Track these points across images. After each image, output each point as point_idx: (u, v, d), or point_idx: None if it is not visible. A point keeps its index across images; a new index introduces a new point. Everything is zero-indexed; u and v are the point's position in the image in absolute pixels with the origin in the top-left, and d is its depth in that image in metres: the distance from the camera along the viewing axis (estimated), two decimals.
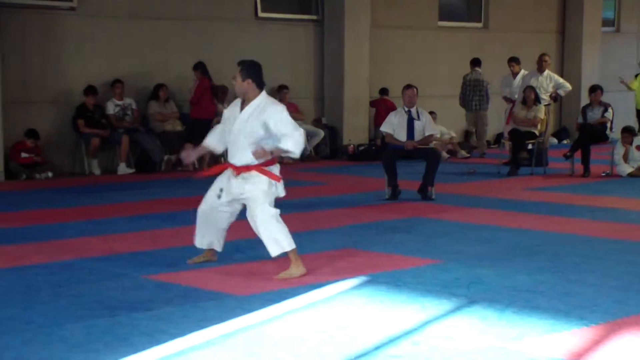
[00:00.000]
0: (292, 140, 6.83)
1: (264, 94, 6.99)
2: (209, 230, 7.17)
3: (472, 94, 16.67)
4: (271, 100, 7.04)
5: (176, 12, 14.93)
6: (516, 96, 15.15)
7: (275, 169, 6.97)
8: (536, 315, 5.70)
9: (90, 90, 13.78)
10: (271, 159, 6.93)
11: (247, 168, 6.86)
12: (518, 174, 13.69)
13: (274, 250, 6.81)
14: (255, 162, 6.86)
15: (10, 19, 13.22)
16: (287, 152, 6.91)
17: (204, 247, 7.25)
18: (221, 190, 6.98)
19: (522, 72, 15.68)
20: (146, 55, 14.69)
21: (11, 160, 13.11)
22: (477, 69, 16.79)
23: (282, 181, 6.98)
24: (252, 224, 6.88)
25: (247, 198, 6.85)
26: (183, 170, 14.24)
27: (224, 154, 7.51)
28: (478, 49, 18.71)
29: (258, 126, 6.85)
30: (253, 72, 6.95)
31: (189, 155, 7.22)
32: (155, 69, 14.74)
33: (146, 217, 9.78)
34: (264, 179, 6.85)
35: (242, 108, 6.96)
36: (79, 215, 9.88)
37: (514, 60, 15.89)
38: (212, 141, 7.23)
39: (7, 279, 6.74)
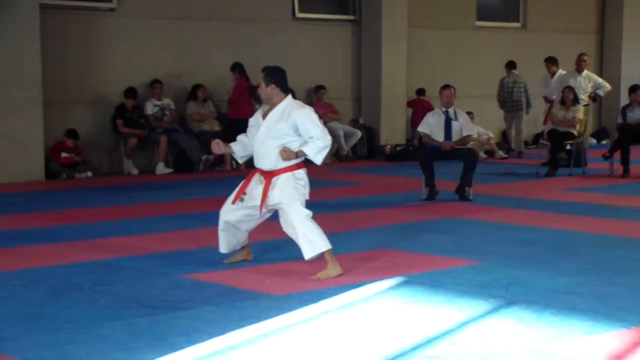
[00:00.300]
0: (316, 146, 6.86)
1: (289, 98, 7.01)
2: (233, 235, 7.22)
3: (510, 96, 16.63)
4: (298, 103, 7.06)
5: (214, 12, 15.01)
6: (554, 96, 15.05)
7: (302, 173, 6.99)
8: (575, 316, 5.67)
9: (130, 92, 13.90)
10: (296, 164, 6.94)
11: (273, 173, 6.88)
12: (556, 175, 13.60)
13: (308, 252, 6.80)
14: (281, 165, 6.88)
15: (51, 20, 13.36)
16: (309, 157, 6.92)
17: (230, 251, 7.30)
18: (245, 194, 7.02)
19: (560, 72, 15.56)
20: (185, 55, 14.78)
21: (51, 160, 13.26)
22: (513, 71, 16.75)
23: (307, 183, 7.00)
24: (285, 227, 6.89)
25: (278, 204, 6.86)
26: (221, 170, 14.34)
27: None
28: (516, 49, 18.63)
29: (286, 128, 6.87)
30: (277, 77, 6.97)
31: (219, 146, 7.23)
32: (193, 70, 14.83)
33: (185, 216, 9.85)
34: (291, 182, 6.87)
35: (266, 114, 7.00)
36: (119, 215, 9.98)
37: (549, 61, 15.77)
38: (238, 150, 7.26)
39: (48, 277, 6.82)
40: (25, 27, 12.76)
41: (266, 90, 6.97)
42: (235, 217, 7.08)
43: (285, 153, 6.86)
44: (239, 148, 7.24)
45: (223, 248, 7.25)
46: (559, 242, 8.33)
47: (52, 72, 13.36)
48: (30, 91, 12.86)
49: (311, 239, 6.79)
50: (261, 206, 6.89)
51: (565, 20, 19.71)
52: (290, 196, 6.83)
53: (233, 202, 7.02)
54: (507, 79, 16.74)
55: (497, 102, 16.91)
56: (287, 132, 6.89)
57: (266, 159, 6.93)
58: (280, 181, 6.87)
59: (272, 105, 7.00)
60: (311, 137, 6.87)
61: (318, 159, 6.95)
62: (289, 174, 6.90)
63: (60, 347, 5.01)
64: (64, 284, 6.60)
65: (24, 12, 12.75)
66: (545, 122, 14.92)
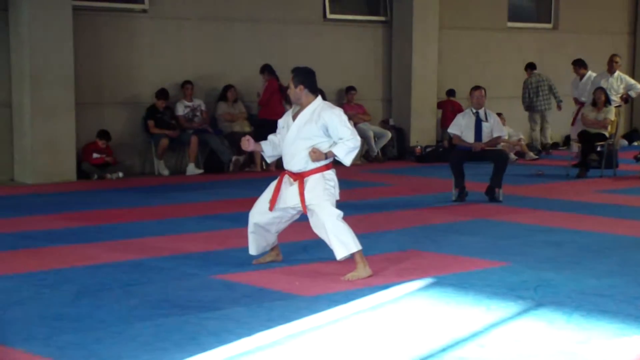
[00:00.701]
0: (346, 147, 6.88)
1: (319, 99, 7.02)
2: (263, 237, 7.24)
3: (537, 96, 16.59)
4: (327, 104, 7.07)
5: (245, 14, 15.06)
6: (583, 99, 14.96)
7: (332, 174, 7.01)
8: (605, 319, 5.64)
9: (161, 93, 13.97)
10: (325, 165, 6.96)
11: (303, 174, 6.91)
12: (587, 176, 13.51)
13: (340, 252, 6.81)
14: (311, 167, 6.90)
15: (84, 22, 13.45)
16: (338, 158, 6.94)
17: (259, 253, 7.32)
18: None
19: (589, 73, 15.46)
20: (215, 56, 14.84)
21: (83, 161, 13.36)
22: (534, 72, 16.72)
23: (337, 184, 7.02)
24: (316, 228, 6.91)
25: (308, 205, 6.87)
26: (251, 171, 14.38)
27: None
28: (547, 50, 18.53)
29: (316, 129, 6.89)
30: (306, 78, 6.99)
31: (249, 143, 7.25)
32: (224, 71, 14.89)
33: (214, 217, 9.89)
34: (321, 183, 6.89)
35: (296, 115, 7.02)
36: (149, 215, 10.04)
37: (576, 64, 15.68)
38: (268, 149, 7.28)
39: (78, 278, 6.88)
40: (58, 29, 12.87)
41: (295, 92, 6.99)
42: (265, 219, 7.10)
43: (315, 154, 6.87)
44: (269, 148, 7.26)
45: (253, 250, 7.28)
46: (589, 244, 8.28)
47: (84, 73, 13.45)
48: (62, 92, 12.96)
49: (343, 240, 6.79)
50: (303, 207, 6.88)
51: (597, 21, 19.56)
52: (320, 197, 6.84)
53: (271, 209, 7.00)
54: (529, 80, 16.69)
55: (522, 105, 16.86)
56: (316, 133, 6.90)
57: (296, 160, 6.95)
58: (310, 182, 6.89)
59: (302, 107, 7.01)
60: (341, 138, 6.89)
61: (348, 160, 6.96)
62: (318, 175, 6.92)
63: (89, 347, 5.06)
64: (94, 284, 6.65)
65: (57, 13, 12.86)
66: (573, 124, 14.83)
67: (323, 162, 6.94)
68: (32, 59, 12.73)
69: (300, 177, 6.92)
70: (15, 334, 5.30)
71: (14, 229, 9.10)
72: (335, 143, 6.92)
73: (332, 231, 6.79)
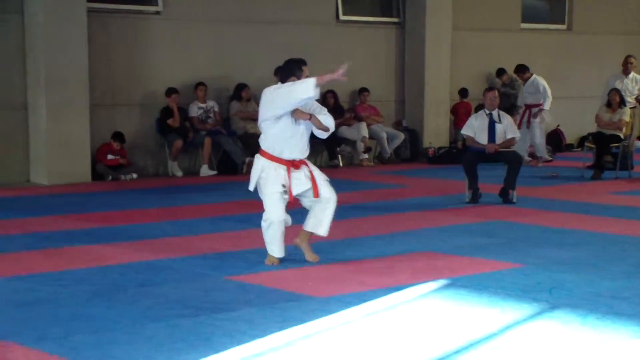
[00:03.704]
0: (330, 119, 7.46)
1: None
2: (283, 234, 7.34)
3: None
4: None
5: (259, 15, 15.07)
6: (524, 103, 15.31)
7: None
8: (620, 321, 5.62)
9: (171, 90, 13.96)
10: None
11: (303, 161, 7.40)
12: (602, 178, 13.46)
13: (327, 231, 7.41)
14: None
15: (98, 24, 13.50)
16: (324, 126, 7.37)
17: (283, 253, 7.35)
18: (283, 186, 7.30)
19: (534, 77, 15.49)
20: (228, 58, 14.86)
21: (98, 162, 13.40)
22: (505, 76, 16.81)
23: None
24: (320, 202, 7.31)
25: (318, 183, 7.31)
26: None
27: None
28: (561, 51, 18.48)
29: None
30: (278, 71, 7.73)
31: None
32: (237, 72, 14.90)
33: (228, 218, 9.91)
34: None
35: None
36: (163, 216, 10.06)
37: (519, 70, 15.75)
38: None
39: (93, 278, 6.90)
40: (72, 31, 12.91)
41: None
42: (283, 212, 7.36)
43: (298, 113, 7.30)
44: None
45: (280, 252, 7.33)
46: (604, 246, 8.25)
47: (98, 75, 13.50)
48: (77, 94, 13.01)
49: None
50: (315, 190, 7.31)
51: (612, 21, 19.49)
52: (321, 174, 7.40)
53: (291, 200, 7.34)
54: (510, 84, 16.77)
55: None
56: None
57: (299, 151, 7.42)
58: (310, 165, 7.43)
59: None
60: (324, 115, 7.52)
61: (332, 128, 7.51)
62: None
63: (103, 347, 5.07)
64: (108, 285, 6.67)
65: (72, 15, 12.90)
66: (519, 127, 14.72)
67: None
68: (46, 60, 12.79)
69: (301, 164, 7.38)
70: (30, 334, 5.33)
71: (29, 229, 9.14)
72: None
73: (333, 211, 7.33)
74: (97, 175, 13.34)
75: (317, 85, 7.07)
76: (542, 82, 15.45)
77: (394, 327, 5.56)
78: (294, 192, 7.29)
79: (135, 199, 11.54)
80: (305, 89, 7.10)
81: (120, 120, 13.88)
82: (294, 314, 5.82)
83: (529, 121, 15.25)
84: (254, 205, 10.83)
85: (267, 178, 7.31)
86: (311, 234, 7.45)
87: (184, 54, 14.43)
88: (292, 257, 7.49)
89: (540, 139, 15.50)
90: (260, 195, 7.45)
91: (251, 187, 7.49)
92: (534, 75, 15.58)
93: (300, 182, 7.31)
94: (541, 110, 15.25)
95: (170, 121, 13.92)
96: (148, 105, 14.17)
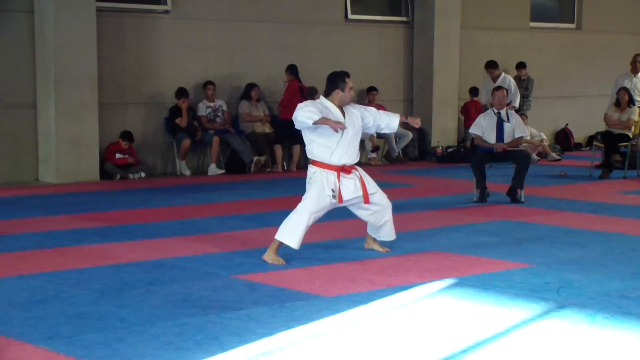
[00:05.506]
0: (395, 118, 7.76)
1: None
2: (306, 228, 7.39)
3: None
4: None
5: (267, 14, 15.08)
6: (486, 102, 15.12)
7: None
8: (628, 321, 5.62)
9: (181, 92, 13.99)
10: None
11: (353, 167, 7.44)
12: (610, 177, 13.45)
13: (393, 235, 7.70)
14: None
15: (107, 23, 13.53)
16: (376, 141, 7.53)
17: (298, 247, 7.36)
18: (332, 190, 7.33)
19: (504, 75, 15.43)
20: (237, 57, 14.88)
21: (106, 161, 13.43)
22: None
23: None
24: (377, 214, 7.52)
25: (369, 190, 7.47)
26: (272, 172, 14.40)
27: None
28: (570, 50, 18.45)
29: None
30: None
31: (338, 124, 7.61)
32: (246, 72, 14.92)
33: (236, 217, 9.92)
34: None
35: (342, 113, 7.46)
36: (171, 215, 10.07)
37: (489, 66, 15.60)
38: None
39: (102, 277, 6.92)
40: (82, 30, 12.95)
41: (350, 94, 7.50)
42: (321, 214, 7.44)
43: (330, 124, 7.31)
44: None
45: (296, 242, 7.34)
46: (613, 245, 8.24)
47: (107, 74, 13.53)
48: (86, 93, 13.05)
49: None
50: (366, 196, 7.46)
51: (621, 21, 19.45)
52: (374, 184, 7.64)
53: (340, 202, 7.38)
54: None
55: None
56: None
57: (349, 156, 7.45)
58: (360, 172, 7.51)
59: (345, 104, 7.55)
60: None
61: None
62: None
63: (111, 346, 5.09)
64: (117, 284, 6.69)
65: (81, 15, 12.94)
66: (467, 125, 14.61)
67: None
68: (56, 59, 12.83)
69: (354, 169, 7.45)
70: (39, 333, 5.34)
71: (38, 228, 9.16)
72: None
73: (391, 216, 7.64)
74: (105, 174, 13.37)
75: (315, 123, 7.17)
76: (512, 80, 15.45)
77: (402, 326, 5.56)
78: (344, 197, 7.35)
79: (143, 198, 11.57)
80: (302, 120, 7.23)
81: (128, 119, 13.91)
82: (302, 313, 5.82)
83: None
84: (262, 204, 10.87)
85: (316, 180, 7.32)
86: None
87: (192, 53, 14.46)
88: (299, 257, 7.50)
89: None
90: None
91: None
92: (504, 74, 15.55)
93: (348, 189, 7.39)
94: (512, 108, 15.19)
95: (178, 120, 13.94)
96: (157, 104, 14.19)
